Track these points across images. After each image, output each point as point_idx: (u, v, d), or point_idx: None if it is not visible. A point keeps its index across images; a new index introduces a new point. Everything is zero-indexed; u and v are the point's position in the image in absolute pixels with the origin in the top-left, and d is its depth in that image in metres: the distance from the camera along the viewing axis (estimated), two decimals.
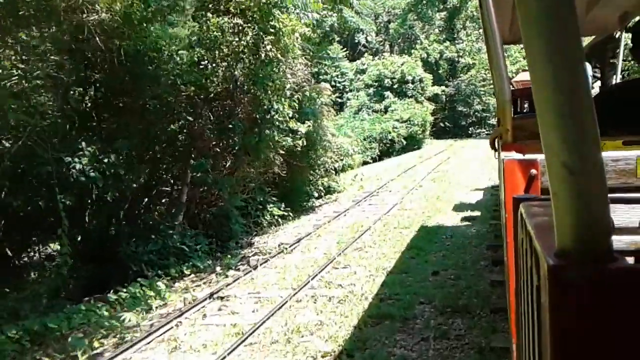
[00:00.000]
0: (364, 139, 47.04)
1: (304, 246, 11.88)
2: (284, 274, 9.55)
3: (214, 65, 12.52)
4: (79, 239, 12.10)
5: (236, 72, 12.92)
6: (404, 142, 46.76)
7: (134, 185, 11.50)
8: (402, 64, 49.88)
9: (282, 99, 13.66)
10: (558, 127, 0.95)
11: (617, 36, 6.56)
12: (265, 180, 17.43)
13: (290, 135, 16.53)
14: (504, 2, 4.04)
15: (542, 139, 0.99)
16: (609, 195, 1.00)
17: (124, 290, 10.57)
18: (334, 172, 21.93)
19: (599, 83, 7.73)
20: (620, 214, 1.73)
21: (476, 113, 53.98)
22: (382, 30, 58.38)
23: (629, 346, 0.98)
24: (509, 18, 4.87)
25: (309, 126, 16.22)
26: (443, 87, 52.69)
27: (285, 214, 17.50)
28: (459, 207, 15.04)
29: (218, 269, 11.63)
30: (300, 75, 16.16)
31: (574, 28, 0.93)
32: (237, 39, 12.69)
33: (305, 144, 16.74)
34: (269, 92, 13.32)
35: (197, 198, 14.39)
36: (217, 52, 12.58)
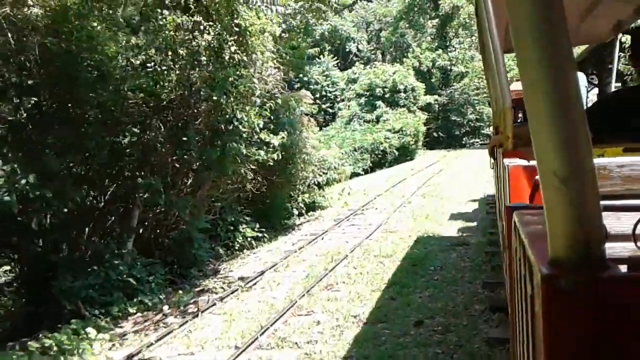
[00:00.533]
0: (355, 150, 45.28)
1: (266, 281, 9.99)
2: (231, 324, 7.62)
3: (163, 68, 10.66)
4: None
5: (192, 76, 11.06)
6: (396, 153, 44.98)
7: (65, 209, 9.58)
8: (393, 73, 48.20)
9: (248, 107, 11.80)
10: (549, 135, 0.96)
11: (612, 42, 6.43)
12: (237, 198, 15.58)
13: (264, 148, 14.72)
14: (501, 10, 3.73)
15: (534, 147, 1.00)
16: (602, 202, 1.00)
17: (50, 336, 8.70)
18: (316, 187, 20.11)
19: (596, 90, 7.74)
20: (612, 221, 1.60)
21: (470, 123, 52.26)
22: (374, 39, 56.73)
23: (622, 354, 0.98)
24: (503, 26, 4.45)
25: (283, 138, 14.37)
26: (436, 96, 50.98)
27: (260, 235, 15.64)
28: (450, 228, 13.22)
29: (166, 308, 9.76)
30: (272, 81, 14.33)
31: (565, 36, 0.94)
32: (194, 39, 10.86)
33: (280, 157, 14.92)
34: (232, 98, 11.47)
35: (154, 221, 12.52)
36: (170, 53, 10.74)
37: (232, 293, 9.25)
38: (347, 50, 55.50)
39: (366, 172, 44.77)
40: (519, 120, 10.36)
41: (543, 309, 1.03)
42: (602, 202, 1.01)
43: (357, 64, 53.22)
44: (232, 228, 15.26)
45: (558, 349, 1.01)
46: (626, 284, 0.99)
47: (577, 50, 9.26)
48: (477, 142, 51.75)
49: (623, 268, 1.19)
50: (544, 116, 0.95)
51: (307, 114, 19.01)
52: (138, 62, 10.67)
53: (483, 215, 14.52)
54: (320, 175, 19.40)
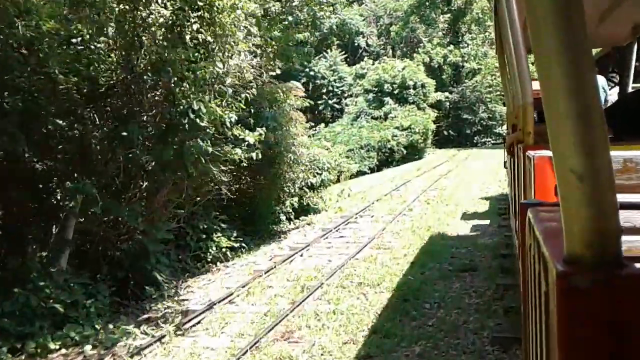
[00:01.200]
0: (361, 148, 42.97)
1: (213, 318, 7.75)
2: None
3: (98, 45, 8.45)
4: None
5: (135, 57, 8.84)
6: (404, 152, 42.63)
7: None
8: (403, 69, 45.79)
9: (208, 97, 9.58)
10: (566, 133, 0.95)
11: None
12: (212, 202, 13.39)
13: (244, 146, 12.53)
14: (522, 6, 3.42)
15: (550, 144, 0.99)
16: (619, 200, 0.98)
17: None
18: (309, 189, 17.88)
19: (617, 89, 7.24)
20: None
21: (482, 121, 49.63)
22: (384, 34, 54.23)
23: (639, 353, 0.96)
24: (523, 24, 3.99)
25: (261, 135, 12.14)
26: (447, 93, 48.42)
27: (237, 245, 13.44)
28: (454, 245, 10.96)
29: (88, 348, 7.60)
30: (247, 68, 12.08)
31: (584, 34, 0.92)
32: (136, 9, 8.64)
33: (262, 156, 12.71)
34: (187, 86, 9.25)
35: (101, 231, 10.35)
36: (107, 28, 8.52)
37: (158, 341, 6.99)
38: (356, 44, 53.10)
39: (372, 170, 42.47)
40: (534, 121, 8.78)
41: (558, 306, 1.02)
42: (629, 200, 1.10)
43: (365, 59, 50.83)
44: (204, 237, 13.06)
45: (573, 347, 0.99)
46: None
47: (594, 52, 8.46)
48: (488, 141, 49.17)
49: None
50: (561, 114, 0.94)
51: (298, 109, 16.77)
52: (71, 39, 8.47)
53: (494, 228, 12.23)
54: (314, 177, 17.16)
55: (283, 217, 16.10)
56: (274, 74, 20.98)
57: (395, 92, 45.33)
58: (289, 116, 15.38)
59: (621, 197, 1.09)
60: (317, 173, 17.85)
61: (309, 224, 16.26)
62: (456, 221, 13.56)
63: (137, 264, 10.75)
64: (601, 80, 6.49)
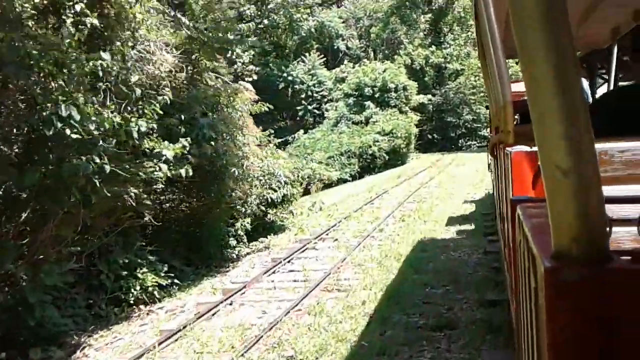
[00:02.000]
0: (341, 154, 40.40)
1: None
2: None
3: None
4: None
5: None
6: (386, 157, 40.15)
7: None
8: (383, 71, 43.41)
9: (82, 97, 6.95)
10: (551, 128, 0.94)
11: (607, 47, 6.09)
12: (134, 229, 10.78)
13: (171, 161, 9.95)
14: (501, 9, 3.51)
15: (536, 140, 0.99)
16: (605, 194, 0.99)
17: None
18: (268, 206, 15.30)
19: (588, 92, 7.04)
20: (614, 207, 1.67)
21: (466, 124, 47.21)
22: (364, 36, 51.78)
23: (628, 347, 0.96)
24: (502, 27, 3.92)
25: (184, 147, 9.56)
26: (429, 96, 46.03)
27: (167, 281, 10.81)
28: (429, 282, 8.39)
29: None
30: (163, 64, 9.46)
31: (567, 30, 0.93)
32: None
33: (190, 173, 10.12)
34: (56, 85, 6.64)
35: None
36: None
37: None
38: (336, 47, 50.60)
39: (354, 177, 39.92)
40: (515, 123, 7.74)
41: (546, 302, 1.01)
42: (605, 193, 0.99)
43: (345, 62, 48.37)
44: (124, 274, 10.43)
45: (562, 342, 0.98)
46: (631, 276, 0.96)
47: None
48: (474, 144, 46.75)
49: (627, 259, 1.08)
50: (546, 111, 0.94)
51: (248, 114, 14.21)
52: None
53: (480, 256, 9.68)
54: (274, 192, 14.58)
55: (234, 242, 13.48)
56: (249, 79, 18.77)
57: (376, 95, 42.90)
58: (236, 123, 12.77)
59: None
60: (278, 187, 15.27)
61: (267, 248, 13.68)
62: (434, 244, 11.01)
63: (18, 319, 8.14)
64: (583, 82, 5.21)
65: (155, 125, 9.33)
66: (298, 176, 16.68)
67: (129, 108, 8.39)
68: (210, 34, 11.47)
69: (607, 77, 7.14)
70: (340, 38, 50.67)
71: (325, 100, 46.65)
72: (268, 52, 49.55)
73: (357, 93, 43.68)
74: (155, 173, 9.54)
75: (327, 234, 12.94)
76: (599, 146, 1.96)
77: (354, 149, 40.27)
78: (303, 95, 46.40)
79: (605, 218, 0.98)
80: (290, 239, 13.42)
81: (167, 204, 12.14)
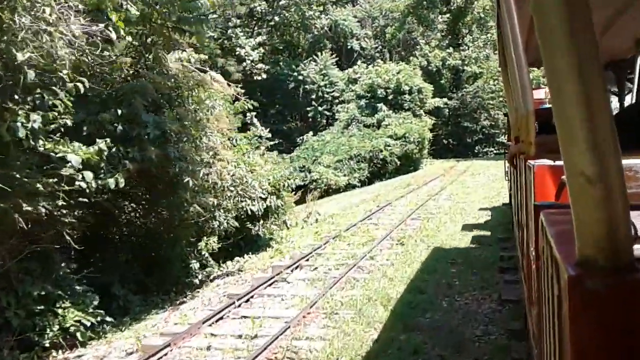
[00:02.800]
0: (350, 158, 37.90)
1: None
2: None
3: None
4: None
5: None
6: (398, 163, 37.57)
7: None
8: (398, 72, 40.76)
9: None
10: (577, 137, 0.93)
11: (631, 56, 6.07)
12: (53, 252, 8.42)
13: (104, 171, 7.62)
14: (523, 17, 3.27)
15: (561, 149, 0.97)
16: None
17: None
18: (245, 220, 12.91)
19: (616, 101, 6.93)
20: None
21: (483, 129, 44.34)
22: (379, 36, 49.19)
23: None
24: (524, 39, 3.77)
25: (102, 151, 7.18)
26: (445, 99, 43.26)
27: (93, 320, 8.42)
28: (425, 349, 5.92)
29: None
30: (79, 34, 7.01)
31: (593, 41, 0.93)
32: None
33: (122, 184, 7.74)
34: None
35: None
36: None
37: None
38: (350, 47, 48.08)
39: (363, 183, 37.35)
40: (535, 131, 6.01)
41: (570, 310, 0.99)
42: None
43: (359, 62, 45.82)
44: (39, 309, 8.09)
45: (585, 351, 0.96)
46: None
47: None
48: (491, 151, 43.89)
49: None
50: (571, 120, 0.93)
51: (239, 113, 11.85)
52: None
53: (493, 306, 7.16)
54: (255, 203, 12.16)
55: (197, 264, 11.07)
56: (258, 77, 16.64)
57: (390, 97, 40.35)
58: (200, 122, 10.37)
59: None
60: (261, 197, 12.85)
61: (240, 271, 11.30)
62: (435, 282, 8.50)
63: None
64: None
65: (68, 122, 6.98)
66: (285, 185, 14.19)
67: (17, 97, 6.01)
68: (165, 10, 9.05)
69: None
70: (355, 38, 48.17)
71: (337, 101, 44.19)
72: (279, 51, 47.21)
73: (369, 95, 41.18)
74: (77, 183, 7.21)
75: (307, 259, 10.47)
76: (624, 162, 1.34)
77: (364, 153, 37.74)
78: (314, 96, 44.01)
79: (630, 226, 0.95)
80: (264, 265, 10.99)
81: (113, 220, 9.76)
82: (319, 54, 44.91)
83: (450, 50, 44.67)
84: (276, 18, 43.46)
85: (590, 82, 0.92)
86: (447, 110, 44.26)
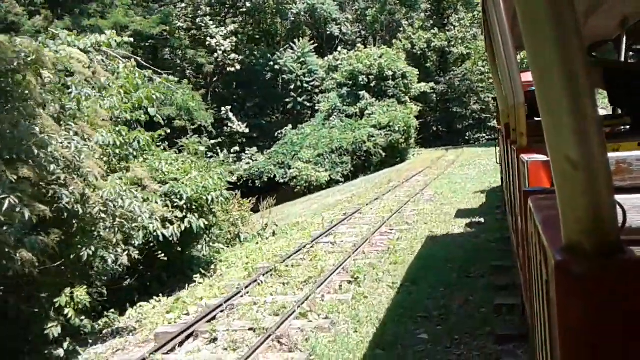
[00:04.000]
0: (332, 152, 34.40)
1: None
2: None
3: None
4: None
5: None
6: (383, 154, 34.09)
7: None
8: (380, 57, 37.16)
9: None
10: (560, 121, 0.92)
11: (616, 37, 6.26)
12: None
13: None
14: (509, 3, 3.52)
15: (545, 134, 0.96)
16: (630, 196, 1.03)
17: None
18: (152, 248, 9.40)
19: None
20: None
21: (474, 114, 40.80)
22: (360, 19, 45.45)
23: (639, 340, 0.92)
24: (510, 23, 3.84)
25: None
26: (432, 84, 39.67)
27: None
28: None
29: None
30: None
31: (574, 23, 0.91)
32: None
33: None
34: None
35: None
36: None
37: None
38: (330, 33, 44.40)
39: (347, 178, 33.91)
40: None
41: (557, 295, 0.99)
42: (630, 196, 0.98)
43: (339, 49, 42.15)
44: None
45: (573, 335, 0.95)
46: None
47: None
48: (482, 137, 40.37)
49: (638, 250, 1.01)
50: (555, 105, 0.92)
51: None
52: None
53: None
54: (135, 233, 8.54)
55: (58, 329, 7.52)
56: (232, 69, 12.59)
57: (372, 84, 36.80)
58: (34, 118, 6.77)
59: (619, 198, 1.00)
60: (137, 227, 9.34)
61: (133, 330, 7.83)
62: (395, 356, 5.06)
63: None
64: None
65: None
66: (213, 199, 10.55)
67: None
68: None
69: None
70: (335, 22, 44.48)
71: (318, 91, 40.60)
72: (256, 40, 43.51)
73: (350, 82, 37.60)
74: None
75: (211, 320, 6.95)
76: (616, 155, 1.70)
77: (346, 145, 34.22)
78: (292, 86, 40.40)
79: (615, 210, 0.94)
80: (157, 321, 7.49)
81: None
82: (295, 41, 41.24)
83: (435, 30, 41.03)
84: (247, 4, 39.68)
85: (574, 67, 0.89)
86: (435, 96, 40.76)
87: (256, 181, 35.81)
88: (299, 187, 32.59)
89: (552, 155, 0.96)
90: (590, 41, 6.27)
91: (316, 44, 42.85)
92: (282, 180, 34.83)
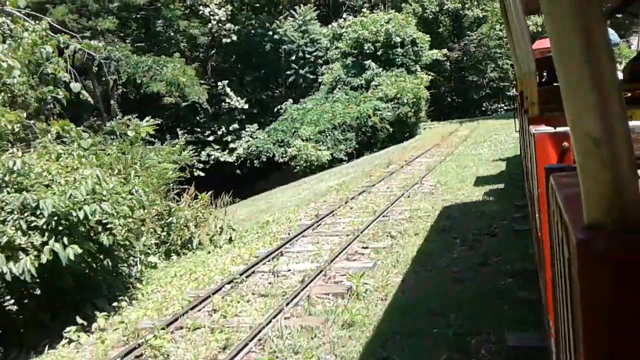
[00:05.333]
0: (334, 128, 30.81)
1: None
2: None
3: None
4: None
5: None
6: (390, 130, 30.44)
7: None
8: (387, 22, 33.21)
9: None
10: (581, 97, 0.88)
11: None
12: None
13: None
14: None
15: (565, 110, 0.92)
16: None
17: None
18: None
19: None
20: None
21: (491, 83, 36.66)
22: None
23: None
24: None
25: None
26: (445, 51, 35.60)
27: None
28: None
29: None
30: None
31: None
32: None
33: None
34: None
35: None
36: None
37: None
38: None
39: (351, 157, 30.42)
40: (543, 80, 7.60)
41: (579, 273, 0.96)
42: None
43: (345, 15, 38.23)
44: None
45: (595, 314, 0.92)
46: None
47: None
48: (500, 107, 36.30)
49: None
50: (575, 80, 0.87)
51: None
52: None
53: None
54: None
55: None
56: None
57: (379, 53, 32.93)
58: None
59: None
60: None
61: None
62: None
63: None
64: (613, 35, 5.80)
65: None
66: (82, 218, 7.17)
67: None
68: None
69: None
70: None
71: (321, 62, 36.85)
72: (254, 8, 39.67)
73: (356, 52, 33.79)
74: None
75: None
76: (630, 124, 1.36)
77: (350, 120, 30.58)
78: (293, 57, 36.66)
79: (638, 187, 0.90)
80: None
81: None
82: (297, 8, 37.39)
83: None
84: None
85: (594, 40, 0.84)
86: (449, 64, 36.69)
87: (254, 161, 32.54)
88: (298, 168, 29.22)
89: (572, 132, 0.91)
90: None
91: (321, 12, 38.97)
92: (281, 160, 31.39)
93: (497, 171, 13.21)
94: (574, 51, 0.86)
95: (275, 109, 35.35)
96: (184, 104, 32.74)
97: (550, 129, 2.89)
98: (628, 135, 0.89)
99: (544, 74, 7.88)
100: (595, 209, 0.92)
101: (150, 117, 15.35)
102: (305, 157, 29.09)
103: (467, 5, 36.29)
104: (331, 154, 29.72)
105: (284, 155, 31.15)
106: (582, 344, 0.98)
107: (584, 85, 0.87)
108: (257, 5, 39.90)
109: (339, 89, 33.39)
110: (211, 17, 34.97)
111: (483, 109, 36.78)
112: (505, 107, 35.54)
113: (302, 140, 30.00)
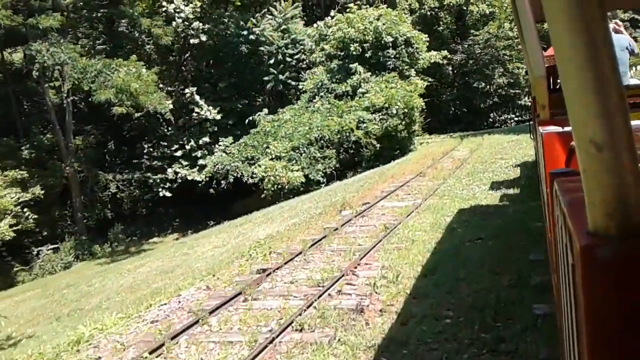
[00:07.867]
0: (310, 144, 25.16)
1: None
2: None
3: None
4: None
5: None
6: (377, 146, 24.73)
7: None
8: (377, 19, 27.58)
9: None
10: (584, 101, 0.87)
11: None
12: None
13: None
14: None
15: (568, 114, 0.91)
16: None
17: None
18: None
19: None
20: None
21: (499, 90, 30.71)
22: None
23: None
24: None
25: None
26: (446, 53, 29.75)
27: None
28: None
29: None
30: None
31: (598, 5, 0.85)
32: None
33: None
34: None
35: None
36: None
37: None
38: None
39: (330, 178, 24.78)
40: (557, 87, 7.08)
41: (583, 280, 0.93)
42: None
43: (332, 13, 32.57)
44: None
45: (600, 320, 0.89)
46: None
47: None
48: (511, 118, 30.35)
49: None
50: (578, 85, 0.86)
51: None
52: None
53: None
54: None
55: None
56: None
57: (367, 55, 27.31)
58: None
59: None
60: None
61: None
62: None
63: None
64: (624, 39, 5.76)
65: None
66: None
67: None
68: None
69: None
70: None
71: (304, 66, 31.24)
72: (227, 3, 34.19)
73: (342, 54, 28.20)
74: None
75: None
76: (633, 123, 1.29)
77: (330, 135, 24.90)
78: (272, 61, 31.07)
79: None
80: None
81: None
82: (276, 4, 31.83)
83: None
84: None
85: (597, 46, 0.83)
86: (450, 68, 30.78)
87: (222, 181, 26.94)
88: (265, 193, 23.64)
89: (575, 137, 0.90)
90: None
91: (314, 13, 33.43)
92: (251, 181, 25.69)
93: (495, 243, 7.50)
94: (576, 57, 0.84)
95: (254, 121, 29.73)
96: (137, 114, 27.21)
97: (558, 129, 2.88)
98: (631, 139, 0.87)
99: (559, 80, 4.93)
100: (599, 215, 0.89)
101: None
102: (274, 179, 23.45)
103: (471, 1, 30.39)
104: (306, 175, 24.05)
105: (254, 176, 25.45)
106: (586, 349, 0.94)
107: (586, 90, 0.85)
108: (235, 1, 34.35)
109: (321, 97, 27.74)
110: (175, 15, 29.51)
111: (490, 120, 30.89)
112: (516, 118, 29.60)
113: (271, 159, 24.40)
